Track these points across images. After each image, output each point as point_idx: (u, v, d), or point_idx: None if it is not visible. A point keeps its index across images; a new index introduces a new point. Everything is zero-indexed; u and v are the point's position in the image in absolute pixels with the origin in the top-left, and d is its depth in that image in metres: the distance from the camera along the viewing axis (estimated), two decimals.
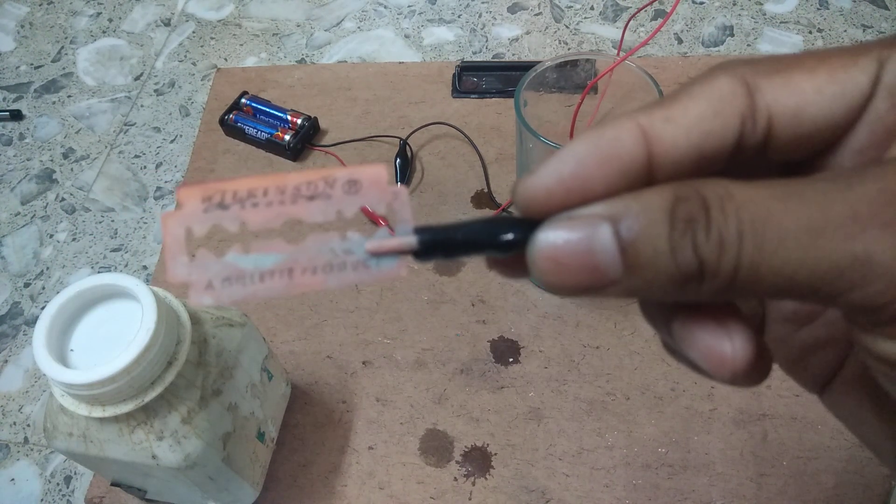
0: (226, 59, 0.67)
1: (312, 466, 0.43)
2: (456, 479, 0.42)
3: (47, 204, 0.59)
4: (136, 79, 0.67)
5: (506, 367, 0.46)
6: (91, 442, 0.32)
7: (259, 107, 0.59)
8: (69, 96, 0.66)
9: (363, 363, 0.47)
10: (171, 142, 0.61)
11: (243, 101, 0.60)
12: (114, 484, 0.40)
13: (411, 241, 0.15)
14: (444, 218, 0.53)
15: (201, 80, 0.66)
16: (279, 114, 0.58)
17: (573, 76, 0.44)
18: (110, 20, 0.72)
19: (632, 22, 0.66)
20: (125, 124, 0.63)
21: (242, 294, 0.14)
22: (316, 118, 0.59)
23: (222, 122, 0.59)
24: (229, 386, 0.35)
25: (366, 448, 0.44)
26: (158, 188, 0.59)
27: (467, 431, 0.44)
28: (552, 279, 0.14)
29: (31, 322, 0.52)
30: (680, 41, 0.65)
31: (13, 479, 0.45)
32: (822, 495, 0.40)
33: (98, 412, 0.31)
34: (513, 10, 0.69)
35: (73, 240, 0.56)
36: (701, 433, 0.43)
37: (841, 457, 0.41)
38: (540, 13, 0.68)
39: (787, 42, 0.64)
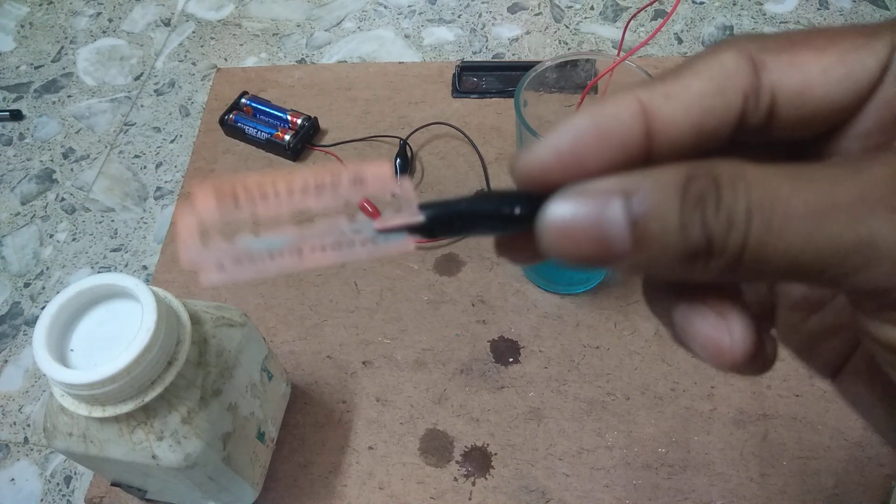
0: (226, 59, 0.67)
1: (312, 466, 0.43)
2: (456, 479, 0.42)
3: (47, 204, 0.59)
4: (136, 79, 0.67)
5: (506, 367, 0.46)
6: (91, 442, 0.32)
7: (259, 107, 0.59)
8: (69, 96, 0.66)
9: (363, 363, 0.47)
10: (171, 142, 0.61)
11: (243, 101, 0.60)
12: (114, 484, 0.40)
13: (418, 216, 0.15)
14: None
15: (201, 80, 0.66)
16: (279, 114, 0.58)
17: (573, 76, 0.44)
18: (110, 20, 0.72)
19: (632, 22, 0.66)
20: (125, 124, 0.63)
21: (253, 272, 0.15)
22: (316, 118, 0.59)
23: (222, 122, 0.59)
24: (229, 386, 0.35)
25: (366, 448, 0.44)
26: (158, 188, 0.59)
27: (467, 431, 0.44)
28: (560, 251, 0.14)
29: (31, 322, 0.52)
30: (680, 41, 0.65)
31: (13, 479, 0.45)
32: (822, 495, 0.40)
33: (98, 412, 0.31)
34: (513, 10, 0.69)
35: (73, 240, 0.56)
36: (701, 433, 0.43)
37: (841, 457, 0.41)
38: (540, 13, 0.68)
39: None
